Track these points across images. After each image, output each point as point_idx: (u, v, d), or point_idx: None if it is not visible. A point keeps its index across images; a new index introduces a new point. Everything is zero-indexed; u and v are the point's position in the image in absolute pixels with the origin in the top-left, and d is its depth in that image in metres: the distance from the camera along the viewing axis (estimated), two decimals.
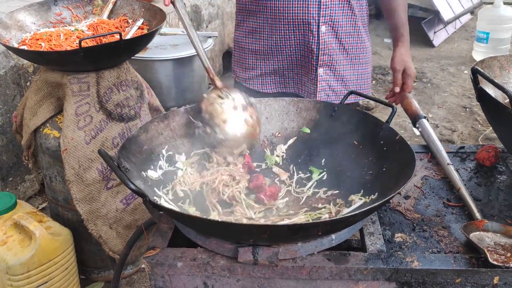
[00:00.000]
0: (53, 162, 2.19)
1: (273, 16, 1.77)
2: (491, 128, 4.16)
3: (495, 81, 1.14)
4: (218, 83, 1.43)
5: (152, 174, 1.28)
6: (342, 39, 1.80)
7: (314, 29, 1.74)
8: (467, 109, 4.60)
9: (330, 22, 1.75)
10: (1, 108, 2.68)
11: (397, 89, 1.95)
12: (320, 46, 1.77)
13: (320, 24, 1.74)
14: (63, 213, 2.32)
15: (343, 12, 1.76)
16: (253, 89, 1.92)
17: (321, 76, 1.81)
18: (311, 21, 1.73)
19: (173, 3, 1.44)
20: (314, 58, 1.79)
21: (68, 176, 2.02)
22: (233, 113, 1.36)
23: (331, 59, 1.80)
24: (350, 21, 1.79)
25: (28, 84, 2.80)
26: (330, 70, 1.82)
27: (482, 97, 1.25)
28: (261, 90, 1.91)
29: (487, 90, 1.24)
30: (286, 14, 1.75)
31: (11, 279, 1.96)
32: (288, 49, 1.81)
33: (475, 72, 1.22)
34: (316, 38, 1.76)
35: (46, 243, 2.00)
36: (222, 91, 1.40)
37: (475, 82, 1.24)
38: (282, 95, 1.84)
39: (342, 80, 1.86)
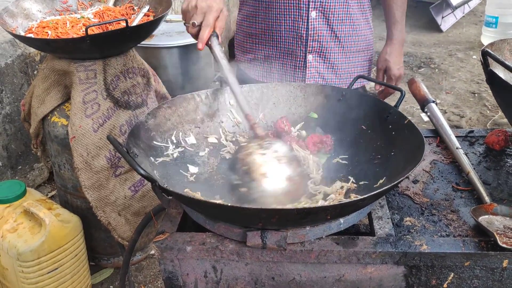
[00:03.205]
0: (62, 150, 2.20)
1: (268, 0, 1.76)
2: (500, 113, 4.13)
3: (506, 63, 1.12)
4: (259, 131, 1.26)
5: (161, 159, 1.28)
6: (334, 26, 1.76)
7: (304, 14, 1.72)
8: (476, 95, 4.56)
9: (320, 8, 1.72)
10: (9, 97, 2.69)
11: (377, 87, 1.94)
12: (309, 32, 1.74)
13: (310, 9, 1.71)
14: (72, 201, 2.35)
15: None
16: (247, 73, 1.91)
17: (310, 62, 1.79)
18: (301, 5, 1.71)
19: (209, 46, 1.29)
20: (304, 44, 1.76)
21: (77, 164, 2.03)
22: (276, 167, 1.16)
23: (321, 46, 1.77)
24: (343, 8, 1.75)
25: (35, 72, 2.81)
26: (320, 57, 1.79)
27: (492, 79, 1.23)
28: (253, 77, 1.90)
29: (497, 72, 1.23)
30: None
31: (22, 265, 1.99)
32: (278, 34, 1.79)
33: (485, 54, 1.20)
34: (305, 24, 1.73)
35: (55, 230, 2.02)
36: (264, 141, 1.21)
37: (485, 64, 1.23)
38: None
39: (333, 68, 1.83)
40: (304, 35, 1.75)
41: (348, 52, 1.83)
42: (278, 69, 1.86)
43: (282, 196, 1.14)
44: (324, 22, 1.75)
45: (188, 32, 1.33)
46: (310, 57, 1.78)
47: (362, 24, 1.84)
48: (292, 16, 1.74)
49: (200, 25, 1.29)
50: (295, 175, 1.17)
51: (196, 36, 1.31)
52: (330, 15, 1.74)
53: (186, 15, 1.32)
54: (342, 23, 1.77)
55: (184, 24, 1.35)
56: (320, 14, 1.73)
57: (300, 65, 1.80)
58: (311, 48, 1.77)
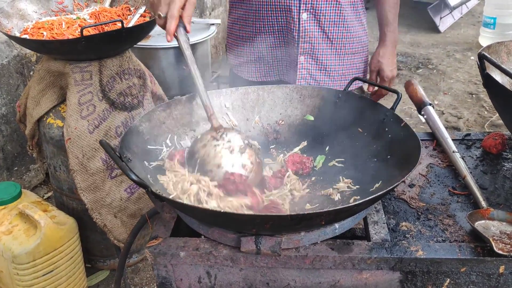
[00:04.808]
0: (57, 151, 2.19)
1: (258, 2, 1.75)
2: (497, 114, 4.12)
3: (503, 66, 1.11)
4: (215, 122, 1.28)
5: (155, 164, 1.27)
6: (325, 28, 1.76)
7: (295, 16, 1.72)
8: (473, 96, 4.56)
9: (311, 10, 1.72)
10: (5, 98, 2.67)
11: (370, 89, 1.93)
12: (301, 34, 1.74)
13: (301, 11, 1.71)
14: (68, 203, 2.33)
15: (326, 0, 1.72)
16: (241, 76, 1.90)
17: (302, 64, 1.78)
18: (292, 7, 1.71)
19: (176, 37, 1.28)
20: (296, 45, 1.76)
21: (72, 166, 2.02)
22: (229, 157, 1.21)
23: (312, 47, 1.77)
24: (335, 10, 1.74)
25: (31, 73, 2.80)
26: (312, 58, 1.79)
27: (489, 83, 1.22)
28: (247, 78, 1.89)
29: (494, 76, 1.22)
30: (269, 0, 1.72)
31: (17, 268, 1.98)
32: (271, 36, 1.78)
33: (481, 58, 1.19)
34: (297, 26, 1.73)
35: (51, 232, 2.01)
36: (218, 132, 1.25)
37: (482, 68, 1.22)
38: (267, 83, 1.81)
39: (325, 70, 1.82)
40: (296, 36, 1.74)
41: (342, 54, 1.83)
42: (270, 70, 1.85)
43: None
44: (315, 24, 1.74)
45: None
46: (301, 58, 1.78)
47: (356, 26, 1.83)
48: (284, 17, 1.73)
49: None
50: (249, 164, 1.22)
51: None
52: (321, 17, 1.74)
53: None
54: (334, 25, 1.77)
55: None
56: (311, 16, 1.72)
57: (293, 66, 1.79)
58: (302, 50, 1.77)
